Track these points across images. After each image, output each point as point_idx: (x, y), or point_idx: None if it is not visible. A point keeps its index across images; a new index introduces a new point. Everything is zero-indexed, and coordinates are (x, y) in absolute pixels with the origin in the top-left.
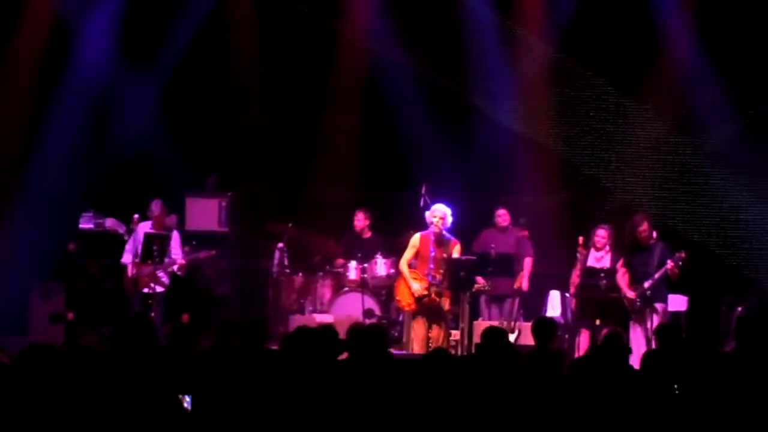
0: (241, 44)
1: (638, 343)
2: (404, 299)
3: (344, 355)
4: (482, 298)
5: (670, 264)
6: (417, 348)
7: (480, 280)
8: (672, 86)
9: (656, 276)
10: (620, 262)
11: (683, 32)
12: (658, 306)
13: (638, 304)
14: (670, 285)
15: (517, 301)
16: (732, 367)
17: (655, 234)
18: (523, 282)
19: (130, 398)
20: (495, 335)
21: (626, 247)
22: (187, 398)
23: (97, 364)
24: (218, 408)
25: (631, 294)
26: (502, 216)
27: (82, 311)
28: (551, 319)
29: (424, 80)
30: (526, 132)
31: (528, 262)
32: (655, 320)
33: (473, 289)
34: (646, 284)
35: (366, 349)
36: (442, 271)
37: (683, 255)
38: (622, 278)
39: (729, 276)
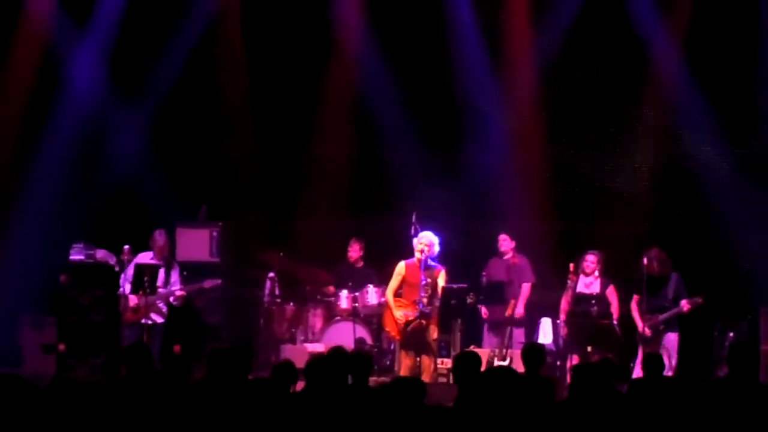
0: (229, 73)
1: None
2: (392, 329)
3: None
4: (485, 326)
5: (686, 306)
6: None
7: (482, 309)
8: (663, 113)
9: (671, 312)
10: (612, 288)
11: (671, 59)
12: (671, 335)
13: (649, 334)
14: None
15: (513, 328)
16: (725, 393)
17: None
18: (518, 308)
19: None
20: (469, 360)
21: (642, 277)
22: None
23: (84, 397)
24: None
25: (641, 325)
26: (503, 241)
27: (74, 343)
28: (540, 345)
29: (413, 106)
30: (516, 158)
31: (525, 288)
32: (663, 349)
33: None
34: (661, 317)
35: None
36: (427, 297)
37: (700, 301)
38: (636, 309)
39: (721, 301)
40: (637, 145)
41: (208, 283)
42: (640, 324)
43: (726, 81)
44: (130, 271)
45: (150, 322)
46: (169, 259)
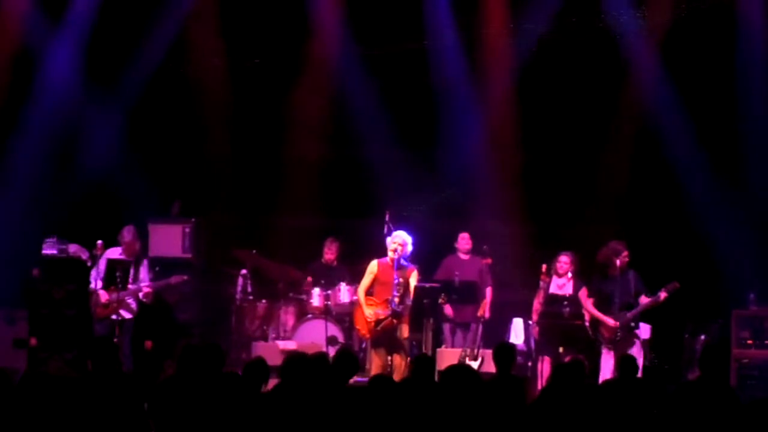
0: (205, 70)
1: (609, 371)
2: (362, 327)
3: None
4: (446, 326)
5: (663, 294)
6: None
7: (448, 309)
8: (639, 114)
9: (642, 306)
10: (584, 290)
11: (648, 60)
12: (639, 334)
13: (620, 334)
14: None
15: (480, 328)
16: (696, 396)
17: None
18: (485, 310)
19: (93, 425)
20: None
21: (597, 274)
22: None
23: (57, 391)
24: None
25: (613, 323)
26: (465, 239)
27: (46, 337)
28: (511, 344)
29: (388, 106)
30: (490, 160)
31: (488, 291)
32: (634, 349)
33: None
34: (630, 314)
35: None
36: (399, 296)
37: (677, 285)
38: (594, 307)
39: (691, 303)
40: (612, 146)
41: (174, 279)
42: (610, 321)
43: (703, 82)
44: (102, 266)
45: (119, 318)
46: (138, 255)
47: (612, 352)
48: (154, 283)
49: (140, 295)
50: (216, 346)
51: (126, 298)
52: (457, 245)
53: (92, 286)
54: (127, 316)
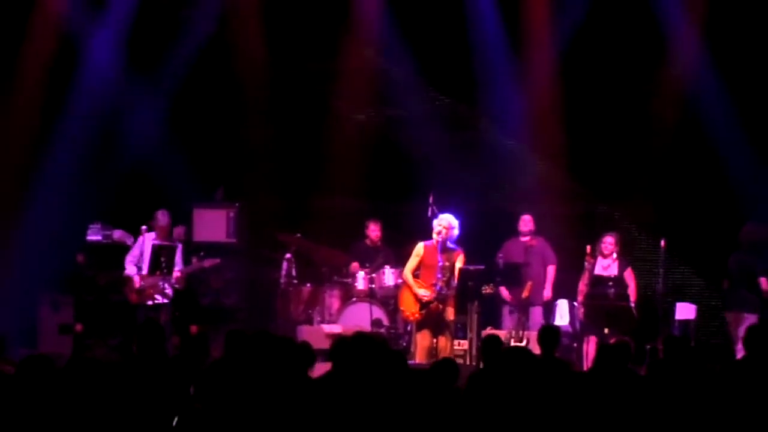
0: (247, 54)
1: None
2: (408, 308)
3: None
4: (505, 308)
5: None
6: (421, 359)
7: (504, 292)
8: (678, 95)
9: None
10: (629, 271)
11: (690, 41)
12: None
13: None
14: (681, 294)
15: (533, 309)
16: (742, 376)
17: None
18: (546, 291)
19: (139, 408)
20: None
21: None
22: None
23: (103, 376)
24: (229, 418)
25: None
26: (525, 221)
27: (91, 323)
28: (556, 327)
29: (432, 87)
30: (533, 142)
31: (551, 270)
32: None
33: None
34: None
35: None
36: (445, 279)
37: None
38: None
39: None
40: (654, 126)
41: (207, 263)
42: None
43: (744, 59)
44: (136, 251)
45: (152, 303)
46: (172, 240)
47: None
48: (187, 267)
49: (172, 280)
50: (265, 332)
51: (160, 282)
52: (519, 227)
53: (127, 271)
54: (164, 300)
